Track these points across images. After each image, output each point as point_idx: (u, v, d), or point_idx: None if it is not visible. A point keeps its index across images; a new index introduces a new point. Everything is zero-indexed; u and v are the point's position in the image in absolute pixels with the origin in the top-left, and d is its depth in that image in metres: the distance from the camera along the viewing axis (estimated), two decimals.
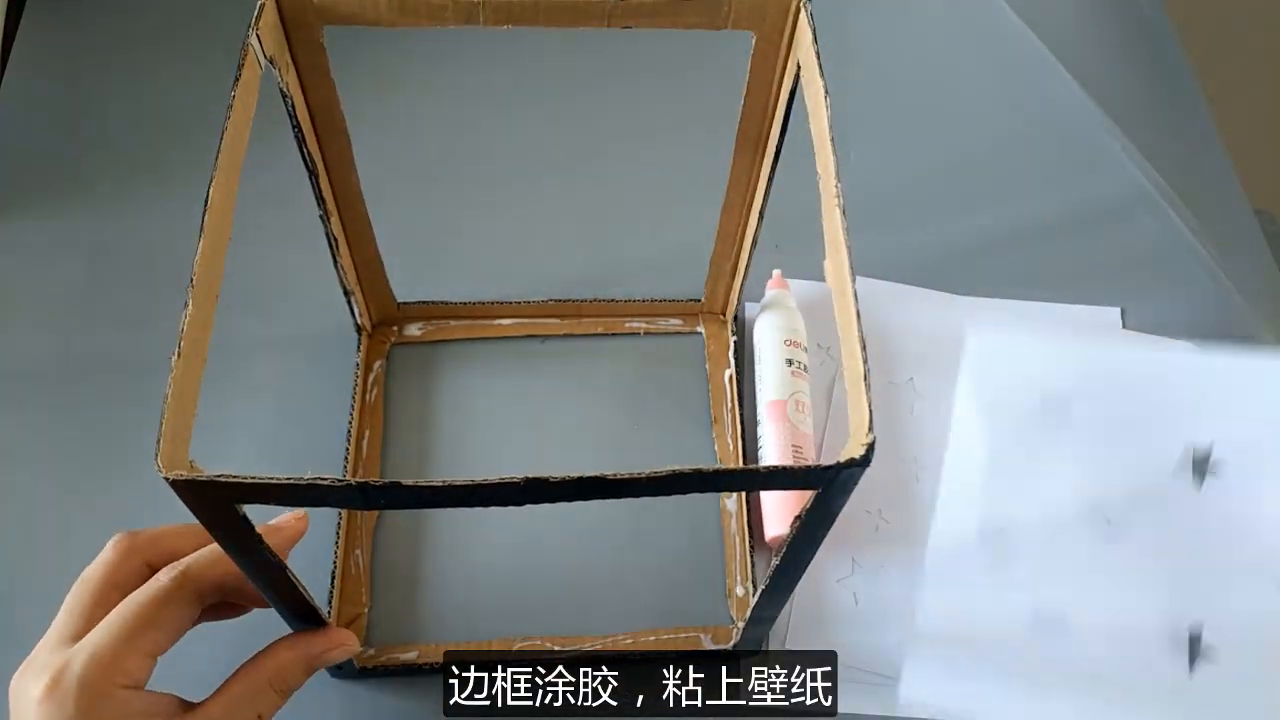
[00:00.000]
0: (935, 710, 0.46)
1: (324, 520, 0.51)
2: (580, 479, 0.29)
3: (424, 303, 0.59)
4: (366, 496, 0.30)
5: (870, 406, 0.30)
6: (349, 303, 0.55)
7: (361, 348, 0.57)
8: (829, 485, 0.31)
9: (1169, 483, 0.47)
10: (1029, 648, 0.46)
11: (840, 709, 0.46)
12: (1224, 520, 0.47)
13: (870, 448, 0.30)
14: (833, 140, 0.35)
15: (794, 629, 0.51)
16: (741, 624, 0.45)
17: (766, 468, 0.30)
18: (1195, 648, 0.45)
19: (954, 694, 0.46)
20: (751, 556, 0.52)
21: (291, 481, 0.29)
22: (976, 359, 0.46)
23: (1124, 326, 0.60)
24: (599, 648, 0.50)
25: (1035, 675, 0.46)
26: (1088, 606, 0.46)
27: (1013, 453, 0.48)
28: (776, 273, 0.59)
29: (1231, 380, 0.50)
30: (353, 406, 0.55)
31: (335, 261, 0.51)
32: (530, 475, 0.29)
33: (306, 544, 0.44)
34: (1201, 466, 0.47)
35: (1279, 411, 0.49)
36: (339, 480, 0.29)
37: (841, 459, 0.30)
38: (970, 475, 0.47)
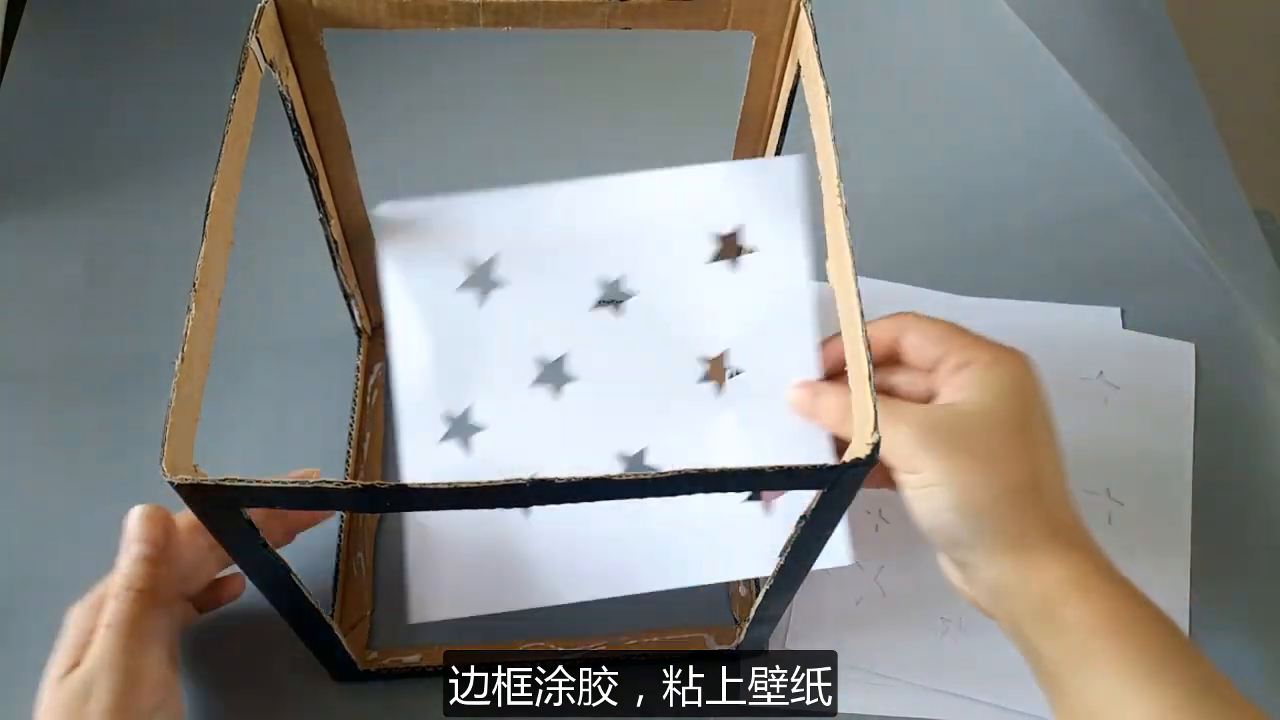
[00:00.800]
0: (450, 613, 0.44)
1: (326, 524, 0.51)
2: (586, 480, 0.29)
3: None
4: (372, 499, 0.30)
5: (875, 406, 0.30)
6: (349, 305, 0.55)
7: (362, 350, 0.57)
8: (834, 485, 0.31)
9: (592, 318, 0.43)
10: (519, 533, 0.44)
11: (840, 709, 0.46)
12: (648, 339, 0.44)
13: (875, 447, 0.30)
14: (834, 140, 0.35)
15: (794, 629, 0.51)
16: (745, 624, 0.45)
17: (773, 467, 0.30)
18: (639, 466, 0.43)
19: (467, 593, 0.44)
20: None
21: (297, 485, 0.29)
22: (393, 245, 0.42)
23: (1124, 327, 0.60)
24: (603, 648, 0.50)
25: (522, 543, 0.44)
26: (551, 464, 0.42)
27: (456, 332, 0.44)
28: None
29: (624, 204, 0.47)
30: (353, 409, 0.55)
31: (335, 264, 0.51)
32: (536, 476, 0.29)
33: (309, 547, 0.44)
34: (614, 293, 0.43)
35: (671, 224, 0.46)
36: (344, 483, 0.29)
37: (847, 458, 0.30)
38: (421, 365, 0.43)
